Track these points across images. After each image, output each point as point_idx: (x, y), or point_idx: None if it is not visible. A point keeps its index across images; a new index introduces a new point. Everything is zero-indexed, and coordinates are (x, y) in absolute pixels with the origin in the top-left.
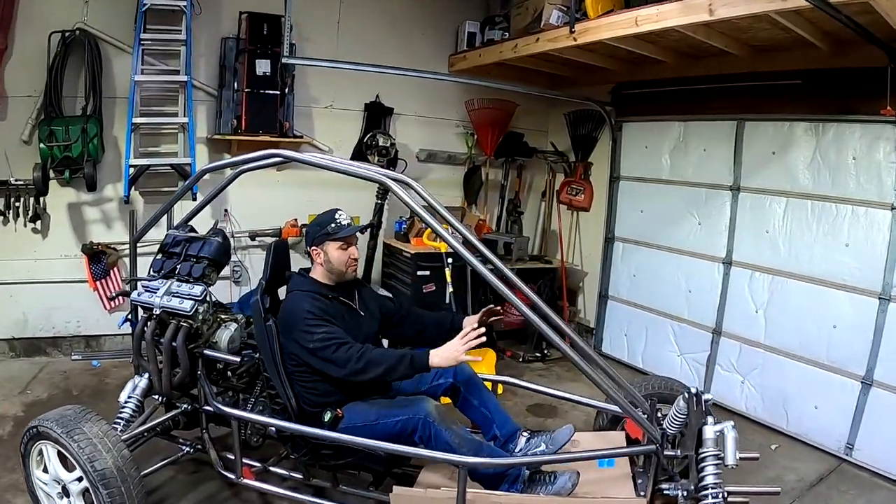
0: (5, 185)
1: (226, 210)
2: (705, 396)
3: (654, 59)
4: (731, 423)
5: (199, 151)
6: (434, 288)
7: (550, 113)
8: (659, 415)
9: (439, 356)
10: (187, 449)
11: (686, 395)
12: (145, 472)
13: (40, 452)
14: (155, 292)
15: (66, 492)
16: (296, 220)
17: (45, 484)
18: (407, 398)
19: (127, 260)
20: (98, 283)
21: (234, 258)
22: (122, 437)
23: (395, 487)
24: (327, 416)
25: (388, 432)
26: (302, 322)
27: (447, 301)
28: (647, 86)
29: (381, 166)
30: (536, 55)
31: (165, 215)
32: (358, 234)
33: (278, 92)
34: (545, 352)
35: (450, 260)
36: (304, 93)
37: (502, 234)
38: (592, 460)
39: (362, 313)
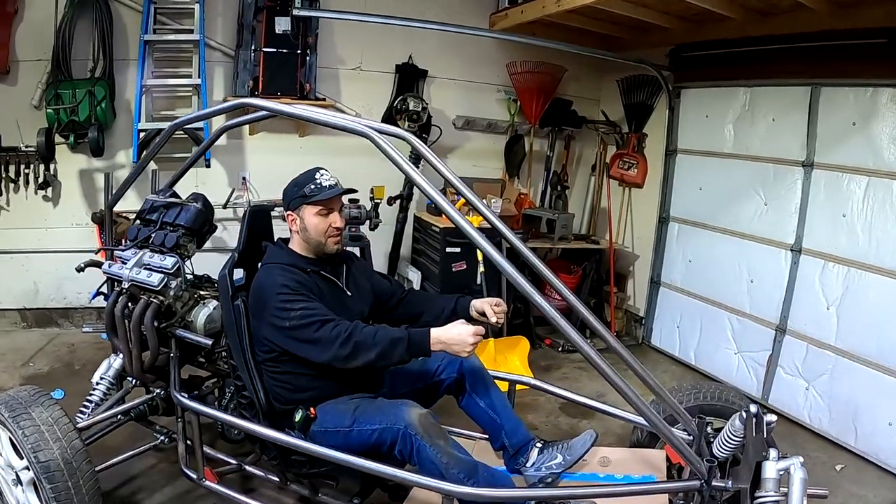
0: (15, 151)
1: (244, 178)
2: (768, 418)
3: (718, 16)
4: (800, 459)
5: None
6: (465, 267)
7: (603, 80)
8: (709, 430)
9: (442, 339)
10: (162, 438)
11: (743, 415)
12: (102, 466)
13: None
14: (125, 263)
15: (20, 480)
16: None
17: (2, 469)
18: (390, 402)
19: None
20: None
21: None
22: (82, 424)
23: None
24: (298, 416)
25: (364, 442)
26: (275, 298)
27: (478, 283)
28: (710, 47)
29: (413, 132)
30: (583, 10)
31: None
32: (347, 202)
33: (298, 51)
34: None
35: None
36: (329, 53)
37: (545, 209)
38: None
39: (349, 292)
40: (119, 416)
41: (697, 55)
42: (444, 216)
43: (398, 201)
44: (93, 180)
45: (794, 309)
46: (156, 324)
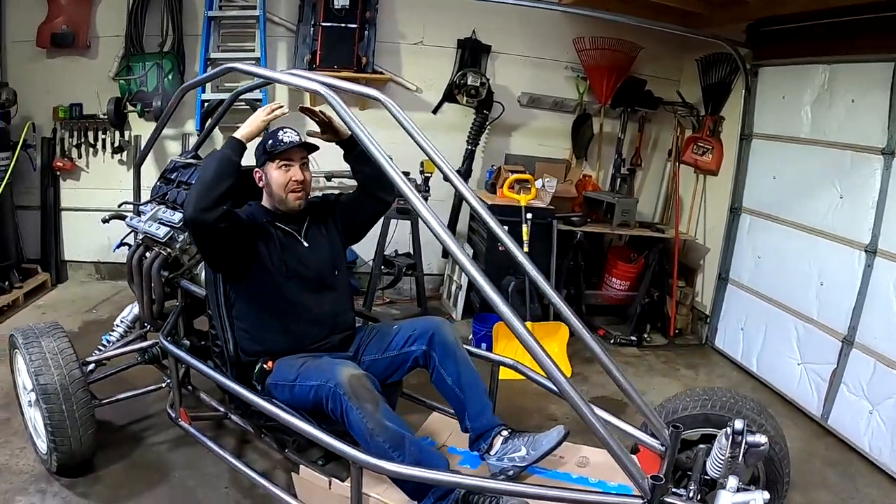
0: (94, 119)
1: None
2: (754, 439)
3: None
4: (765, 496)
5: (278, 88)
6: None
7: (684, 59)
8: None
9: (244, 127)
10: (168, 381)
11: (728, 432)
12: (108, 399)
13: None
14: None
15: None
16: None
17: (22, 390)
18: (332, 361)
19: None
20: None
21: None
22: (91, 359)
23: (301, 469)
24: (256, 368)
25: (304, 398)
26: None
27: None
28: (788, 21)
29: (473, 108)
30: None
31: None
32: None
33: (356, 25)
34: (645, 337)
35: (529, 215)
36: (390, 27)
37: (605, 192)
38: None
39: (305, 243)
40: (137, 358)
41: (775, 30)
42: (498, 193)
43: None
44: (164, 147)
45: (864, 319)
46: (164, 273)
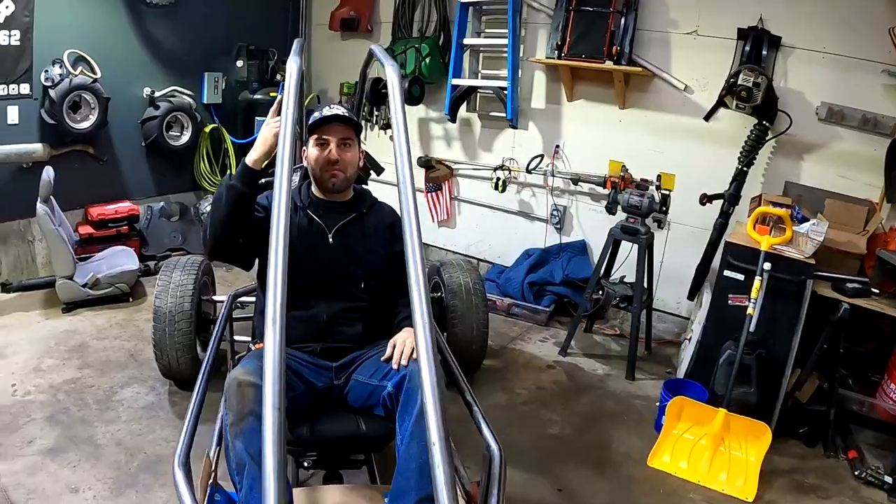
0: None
1: (557, 146)
2: None
3: None
4: None
5: (536, 77)
6: (746, 302)
7: None
8: None
9: (253, 149)
10: None
11: None
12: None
13: None
14: None
15: None
16: (623, 165)
17: None
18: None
19: (461, 179)
20: (430, 195)
21: (553, 201)
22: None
23: None
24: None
25: None
26: None
27: (751, 329)
28: None
29: (750, 116)
30: None
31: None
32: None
33: (611, 9)
34: None
35: (768, 265)
36: (659, 13)
37: None
38: None
39: (331, 241)
40: None
41: None
42: (745, 228)
43: (719, 202)
44: (428, 128)
45: None
46: None
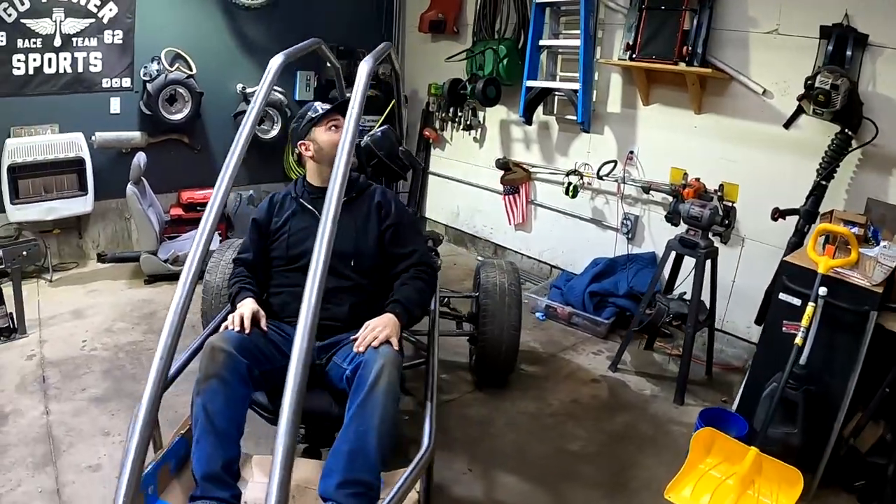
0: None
1: (631, 151)
2: None
3: None
4: None
5: (612, 81)
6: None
7: None
8: None
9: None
10: None
11: None
12: None
13: None
14: None
15: None
16: (685, 173)
17: None
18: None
19: (538, 182)
20: (507, 197)
21: (625, 209)
22: None
23: None
24: None
25: None
26: None
27: (799, 359)
28: None
29: (832, 123)
30: None
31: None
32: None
33: (683, 8)
34: None
35: (823, 290)
36: (736, 11)
37: None
38: None
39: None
40: None
41: None
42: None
43: (794, 219)
44: (508, 130)
45: None
46: None
